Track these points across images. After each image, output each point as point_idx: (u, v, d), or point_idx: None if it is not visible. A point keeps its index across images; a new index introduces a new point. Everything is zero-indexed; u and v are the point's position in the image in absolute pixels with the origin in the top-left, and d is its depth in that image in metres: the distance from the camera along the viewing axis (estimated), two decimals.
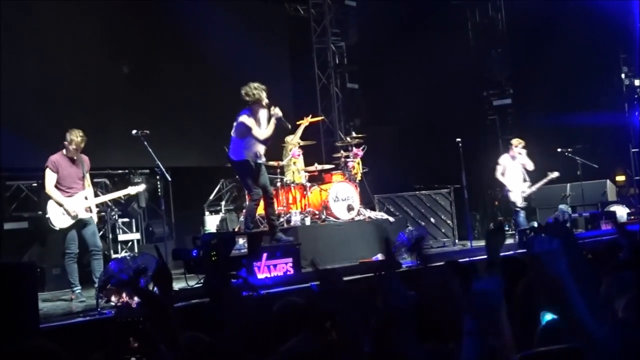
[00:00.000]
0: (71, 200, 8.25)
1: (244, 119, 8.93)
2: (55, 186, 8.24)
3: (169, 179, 8.98)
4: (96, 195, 8.97)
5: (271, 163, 11.37)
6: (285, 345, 3.01)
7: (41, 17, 10.76)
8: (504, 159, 12.19)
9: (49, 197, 8.27)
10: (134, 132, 8.65)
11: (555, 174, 12.19)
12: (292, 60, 14.90)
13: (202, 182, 12.82)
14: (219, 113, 12.79)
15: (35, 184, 10.37)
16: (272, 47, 14.34)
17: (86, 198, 8.39)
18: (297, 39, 15.06)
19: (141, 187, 9.35)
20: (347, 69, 15.36)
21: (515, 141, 12.25)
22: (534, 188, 12.19)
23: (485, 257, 2.58)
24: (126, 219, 11.81)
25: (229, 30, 12.72)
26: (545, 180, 12.22)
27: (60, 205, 8.21)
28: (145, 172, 11.59)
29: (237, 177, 9.83)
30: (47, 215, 8.28)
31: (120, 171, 11.82)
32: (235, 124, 9.11)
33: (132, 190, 9.17)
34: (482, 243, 10.46)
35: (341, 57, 15.35)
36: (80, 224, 8.30)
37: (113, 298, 5.93)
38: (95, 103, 11.19)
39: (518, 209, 12.21)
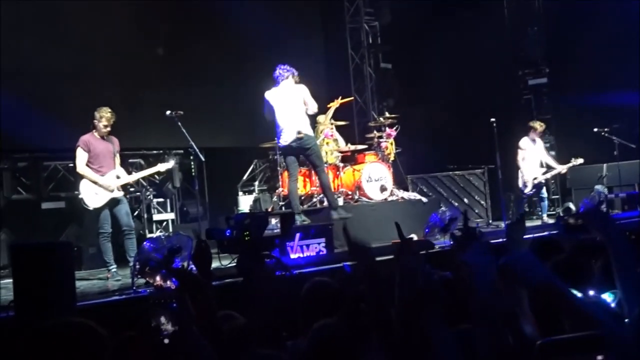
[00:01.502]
0: (104, 178, 8.35)
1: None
2: (87, 165, 8.35)
3: (203, 159, 9.05)
4: (129, 174, 9.06)
5: None
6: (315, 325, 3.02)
7: (75, 1, 10.82)
8: (524, 143, 12.07)
9: (82, 177, 8.37)
10: (167, 112, 8.71)
11: (580, 160, 12.05)
12: (325, 40, 14.85)
13: (235, 163, 12.90)
14: (252, 93, 12.81)
15: (71, 164, 10.48)
16: (305, 27, 14.31)
17: (118, 177, 8.49)
18: (330, 18, 14.98)
19: (170, 164, 9.38)
20: (381, 49, 15.26)
21: (536, 124, 12.12)
22: (548, 175, 12.17)
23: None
24: (161, 199, 11.95)
25: (261, 9, 12.71)
26: (564, 168, 12.17)
27: (95, 182, 8.30)
28: (179, 152, 11.70)
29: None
30: (79, 196, 8.39)
31: (155, 151, 11.94)
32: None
33: (161, 167, 9.22)
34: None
35: (374, 37, 15.25)
36: (112, 203, 8.40)
37: (149, 279, 5.99)
38: (130, 84, 11.29)
39: (524, 196, 12.18)
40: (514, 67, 15.76)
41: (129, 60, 11.37)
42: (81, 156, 8.35)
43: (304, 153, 9.55)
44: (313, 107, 9.45)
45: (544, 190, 12.47)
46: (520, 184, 12.19)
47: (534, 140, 12.10)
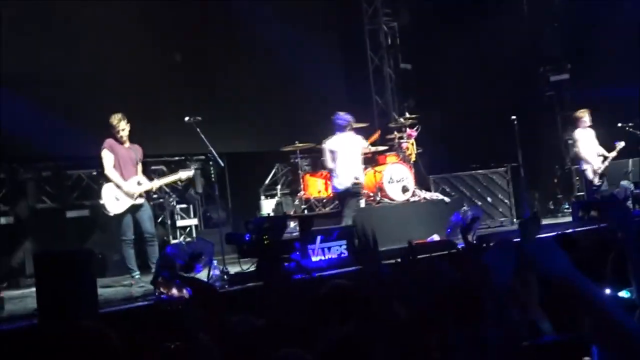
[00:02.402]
0: (126, 183, 8.42)
1: None
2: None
3: (222, 164, 9.05)
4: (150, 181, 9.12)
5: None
6: (333, 331, 3.01)
7: (94, 8, 10.91)
8: (579, 134, 11.82)
9: (107, 181, 8.43)
10: (186, 118, 8.73)
11: (622, 144, 11.80)
12: (343, 42, 14.84)
13: (257, 167, 12.93)
14: (271, 98, 12.87)
15: (95, 173, 10.60)
16: (323, 30, 14.31)
17: (139, 183, 8.55)
18: (348, 20, 14.97)
19: (191, 172, 9.43)
20: (400, 50, 15.22)
21: (580, 113, 11.89)
22: (606, 163, 11.83)
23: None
24: (184, 205, 12.01)
25: (279, 14, 12.73)
26: (614, 153, 11.83)
27: (119, 187, 8.36)
28: (200, 159, 11.75)
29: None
30: (101, 202, 8.44)
31: (176, 158, 12.00)
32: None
33: (182, 175, 9.27)
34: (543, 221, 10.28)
35: (393, 38, 15.21)
36: (134, 209, 8.45)
37: (162, 290, 6.00)
38: (150, 91, 11.35)
39: (595, 187, 11.84)
40: (535, 64, 15.65)
41: (148, 68, 11.43)
42: (108, 158, 8.42)
43: (357, 197, 10.24)
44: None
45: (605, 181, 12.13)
46: (590, 176, 11.85)
47: (585, 129, 11.83)
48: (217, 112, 11.19)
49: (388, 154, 11.79)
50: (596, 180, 11.77)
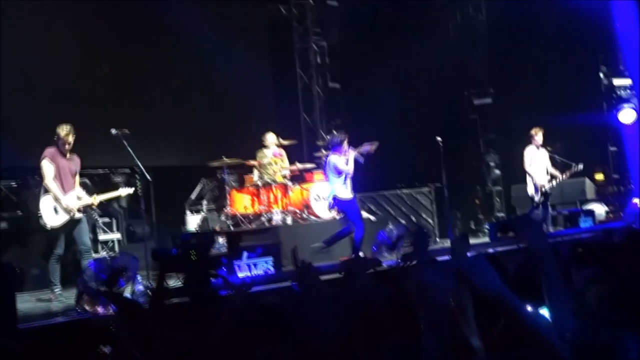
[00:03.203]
0: (65, 198, 8.21)
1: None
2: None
3: (149, 178, 8.94)
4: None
5: (251, 162, 11.41)
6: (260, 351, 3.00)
7: (20, 19, 10.65)
8: (529, 151, 11.86)
9: (45, 192, 8.20)
10: (113, 131, 8.60)
11: (580, 166, 11.82)
12: (273, 60, 14.89)
13: (183, 182, 12.78)
14: (199, 112, 12.80)
15: (14, 184, 10.29)
16: (253, 47, 14.33)
17: (79, 198, 8.36)
18: (278, 38, 15.05)
19: (131, 190, 9.26)
20: (329, 69, 15.36)
21: (533, 131, 11.88)
22: (554, 182, 11.87)
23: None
24: (106, 219, 11.76)
25: (209, 29, 12.67)
26: (565, 175, 11.86)
27: (57, 200, 8.15)
28: (125, 172, 11.55)
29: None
30: (39, 214, 8.20)
31: (100, 171, 11.76)
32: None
33: (122, 192, 9.11)
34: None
35: (323, 57, 15.34)
36: (72, 225, 8.26)
37: (87, 307, 5.85)
38: (75, 102, 11.11)
39: (534, 205, 11.88)
40: (459, 87, 16.03)
41: (73, 78, 11.22)
42: (48, 168, 8.19)
43: None
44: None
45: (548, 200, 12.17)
46: (530, 192, 11.86)
47: (537, 148, 11.95)
48: (143, 125, 11.03)
49: (315, 171, 11.86)
50: (536, 198, 11.91)
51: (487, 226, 14.74)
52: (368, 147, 10.21)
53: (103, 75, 11.68)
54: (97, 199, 8.88)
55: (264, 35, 14.87)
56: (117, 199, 10.99)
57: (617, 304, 2.50)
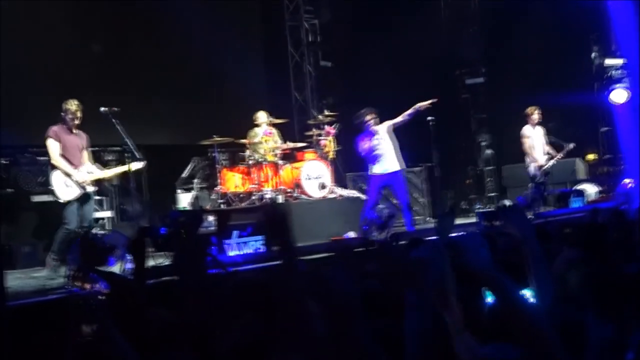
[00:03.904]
0: (77, 172, 8.26)
1: None
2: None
3: (138, 157, 8.92)
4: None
5: (242, 141, 11.39)
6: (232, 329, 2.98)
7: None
8: (527, 130, 11.82)
9: (53, 168, 8.27)
10: (102, 109, 8.60)
11: (572, 145, 11.92)
12: (264, 38, 14.83)
13: (175, 160, 12.75)
14: (189, 90, 12.75)
15: (4, 162, 10.25)
16: (245, 25, 14.26)
17: (89, 172, 8.46)
18: (269, 16, 14.97)
19: (141, 164, 9.20)
20: (320, 47, 15.31)
21: (529, 110, 11.87)
22: (553, 161, 11.90)
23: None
24: (98, 197, 11.73)
25: (199, 8, 12.60)
26: (562, 154, 11.93)
27: (69, 175, 8.19)
28: (116, 150, 11.50)
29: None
30: (51, 188, 8.28)
31: (90, 149, 11.69)
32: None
33: (133, 166, 9.09)
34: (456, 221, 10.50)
35: (314, 35, 15.29)
36: (84, 199, 8.36)
37: (78, 284, 5.86)
38: (64, 81, 11.03)
39: (539, 183, 11.87)
40: (452, 66, 16.00)
41: (64, 57, 11.15)
42: (54, 146, 8.27)
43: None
44: None
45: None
46: (532, 171, 11.85)
47: (533, 127, 11.88)
48: (134, 104, 11.00)
49: (306, 150, 11.86)
50: (539, 177, 11.89)
51: (478, 206, 14.81)
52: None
53: (92, 54, 11.60)
54: (108, 173, 8.93)
55: (255, 13, 14.79)
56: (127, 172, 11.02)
57: (595, 288, 2.52)
